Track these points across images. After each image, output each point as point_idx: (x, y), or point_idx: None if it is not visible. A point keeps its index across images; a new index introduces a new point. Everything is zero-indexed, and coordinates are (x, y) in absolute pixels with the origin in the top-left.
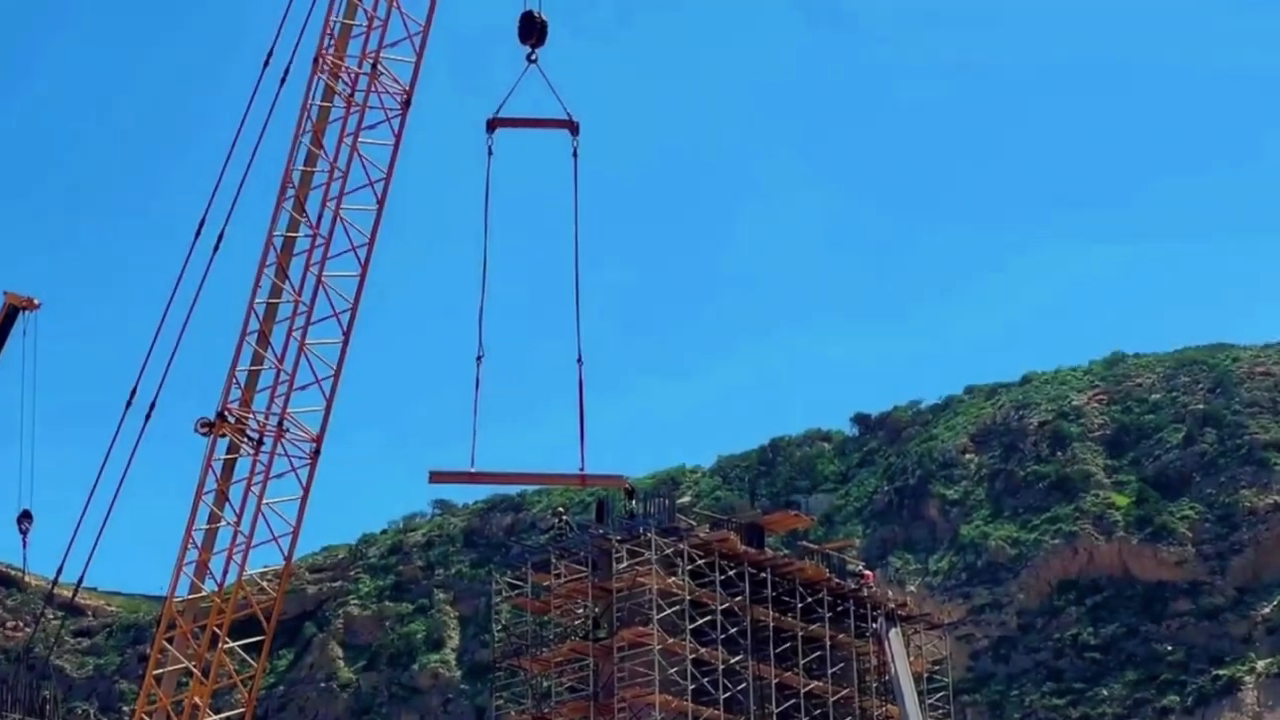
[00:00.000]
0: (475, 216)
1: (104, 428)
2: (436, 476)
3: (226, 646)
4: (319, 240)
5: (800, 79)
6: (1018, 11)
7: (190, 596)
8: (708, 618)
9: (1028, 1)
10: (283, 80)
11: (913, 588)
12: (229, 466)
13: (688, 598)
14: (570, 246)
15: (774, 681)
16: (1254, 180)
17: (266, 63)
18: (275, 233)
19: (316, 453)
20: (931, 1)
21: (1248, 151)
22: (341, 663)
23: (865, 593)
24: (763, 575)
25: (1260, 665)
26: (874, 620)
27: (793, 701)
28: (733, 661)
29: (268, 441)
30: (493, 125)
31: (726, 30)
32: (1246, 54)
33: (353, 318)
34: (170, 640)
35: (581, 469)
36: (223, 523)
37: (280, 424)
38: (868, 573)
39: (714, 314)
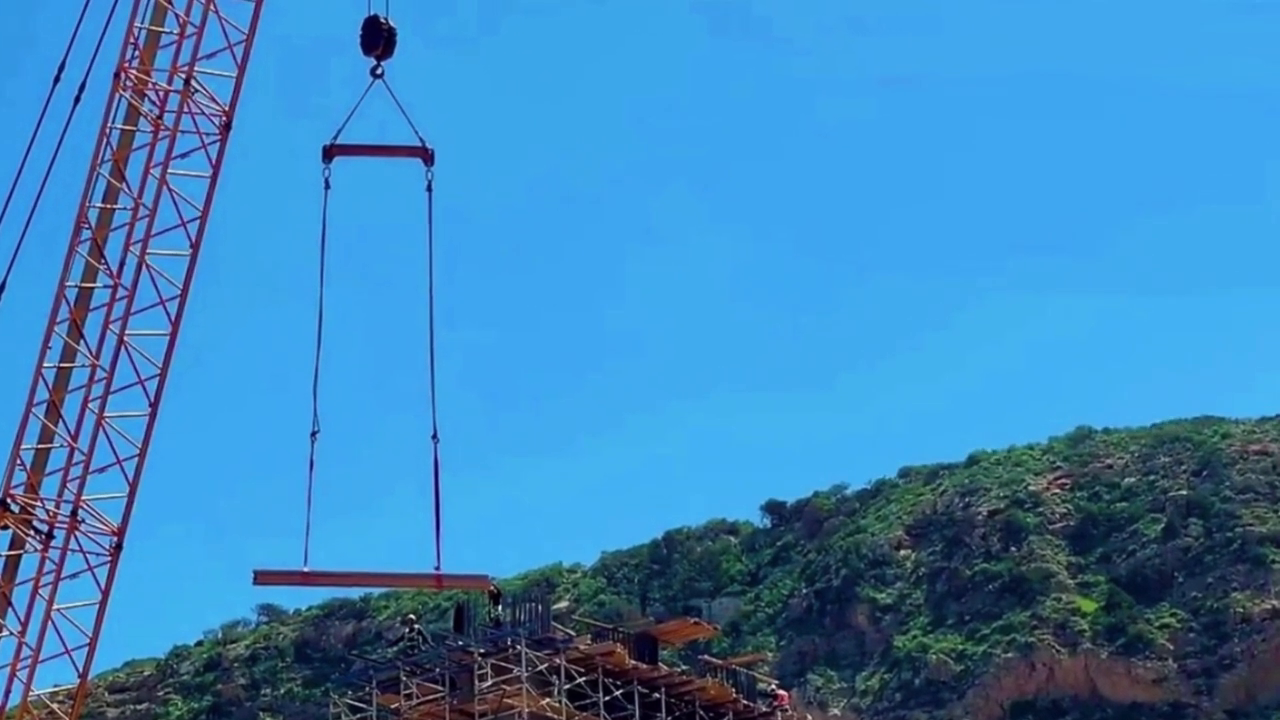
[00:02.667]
0: (309, 263)
1: None
2: (262, 577)
3: None
4: (121, 292)
5: (703, 96)
6: (963, 16)
7: None
8: None
9: (975, 4)
10: (77, 99)
11: (837, 710)
12: (12, 564)
13: None
14: (424, 299)
15: None
16: (1249, 222)
17: (57, 78)
18: (68, 283)
19: (118, 548)
20: (858, 5)
21: (1242, 187)
22: None
23: (779, 716)
24: (656, 696)
25: None
26: None
27: None
28: None
29: (59, 534)
30: (330, 153)
31: (613, 38)
32: (1243, 66)
33: (161, 386)
34: None
35: (437, 568)
36: (4, 632)
37: (74, 513)
38: (782, 693)
39: (597, 382)
